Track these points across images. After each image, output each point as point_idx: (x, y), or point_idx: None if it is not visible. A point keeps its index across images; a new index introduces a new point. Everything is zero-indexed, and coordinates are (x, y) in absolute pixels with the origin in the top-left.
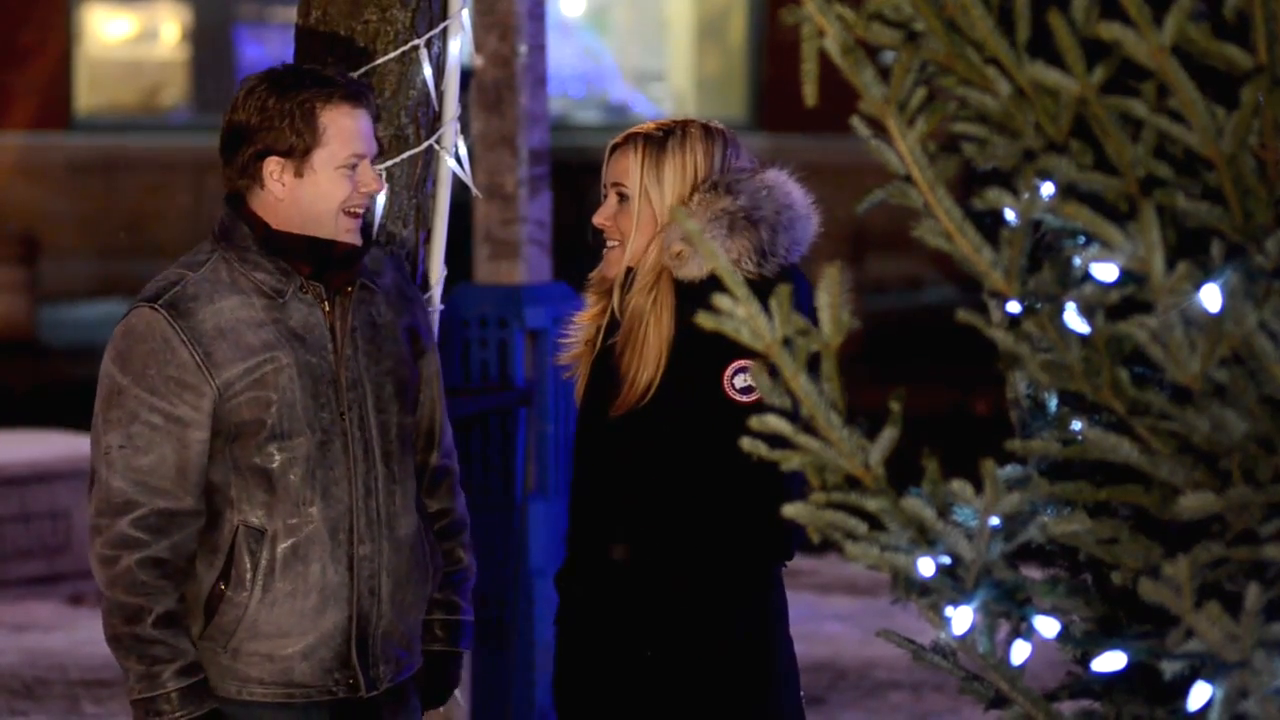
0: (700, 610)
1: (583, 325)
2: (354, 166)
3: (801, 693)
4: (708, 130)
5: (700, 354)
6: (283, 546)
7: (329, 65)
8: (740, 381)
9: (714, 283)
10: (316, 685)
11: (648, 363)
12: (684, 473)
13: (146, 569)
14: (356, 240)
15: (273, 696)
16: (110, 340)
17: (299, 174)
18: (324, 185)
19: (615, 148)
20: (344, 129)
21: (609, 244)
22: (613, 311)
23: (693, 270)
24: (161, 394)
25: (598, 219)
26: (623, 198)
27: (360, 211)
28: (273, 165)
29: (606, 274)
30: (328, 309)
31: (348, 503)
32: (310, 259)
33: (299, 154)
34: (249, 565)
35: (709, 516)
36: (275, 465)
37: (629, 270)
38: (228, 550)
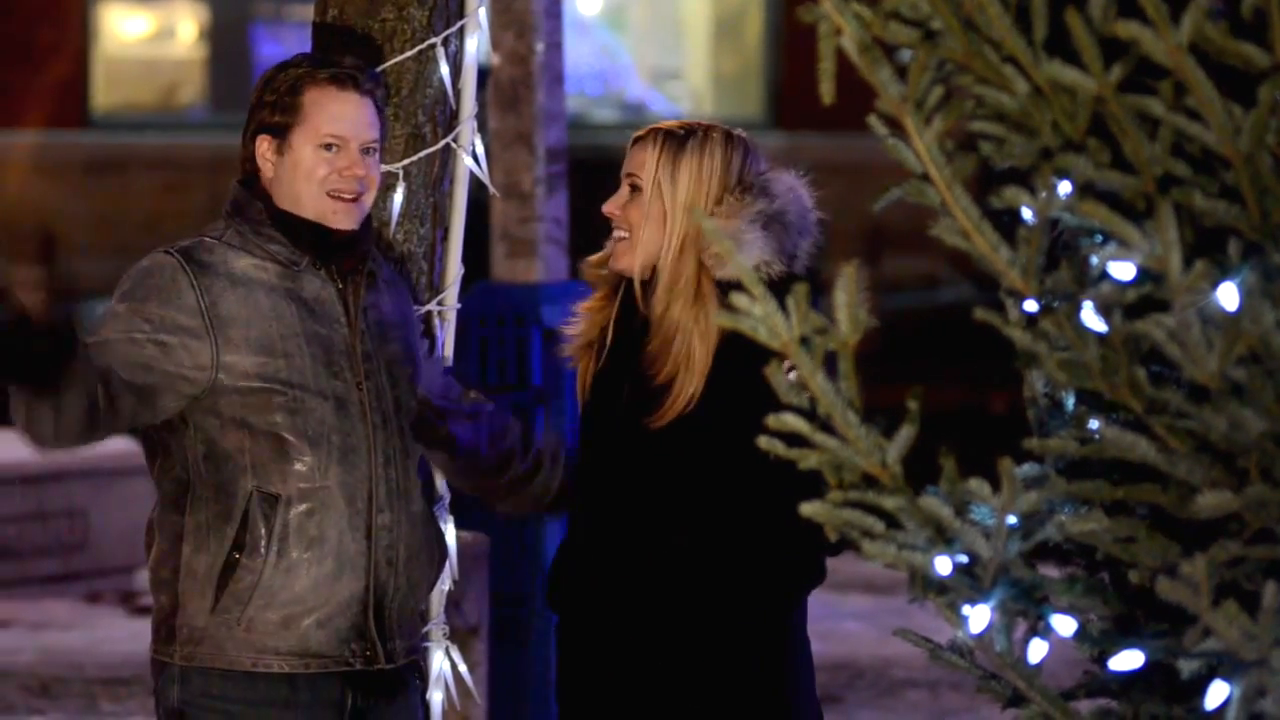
0: (748, 608)
1: (587, 317)
2: (331, 148)
3: (816, 693)
4: (729, 137)
5: (747, 354)
6: (297, 511)
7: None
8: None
9: None
10: (333, 655)
11: (693, 374)
12: (734, 473)
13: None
14: (347, 224)
15: (289, 666)
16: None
17: (280, 151)
18: (304, 164)
19: (636, 140)
20: (324, 109)
21: (617, 234)
22: (623, 309)
23: (732, 270)
24: (154, 323)
25: (608, 208)
26: (634, 189)
27: (350, 196)
28: (263, 144)
29: (615, 266)
30: (340, 287)
31: (366, 470)
32: (311, 243)
33: (281, 131)
34: (263, 531)
35: (757, 516)
36: (288, 430)
37: (653, 271)
38: (241, 517)
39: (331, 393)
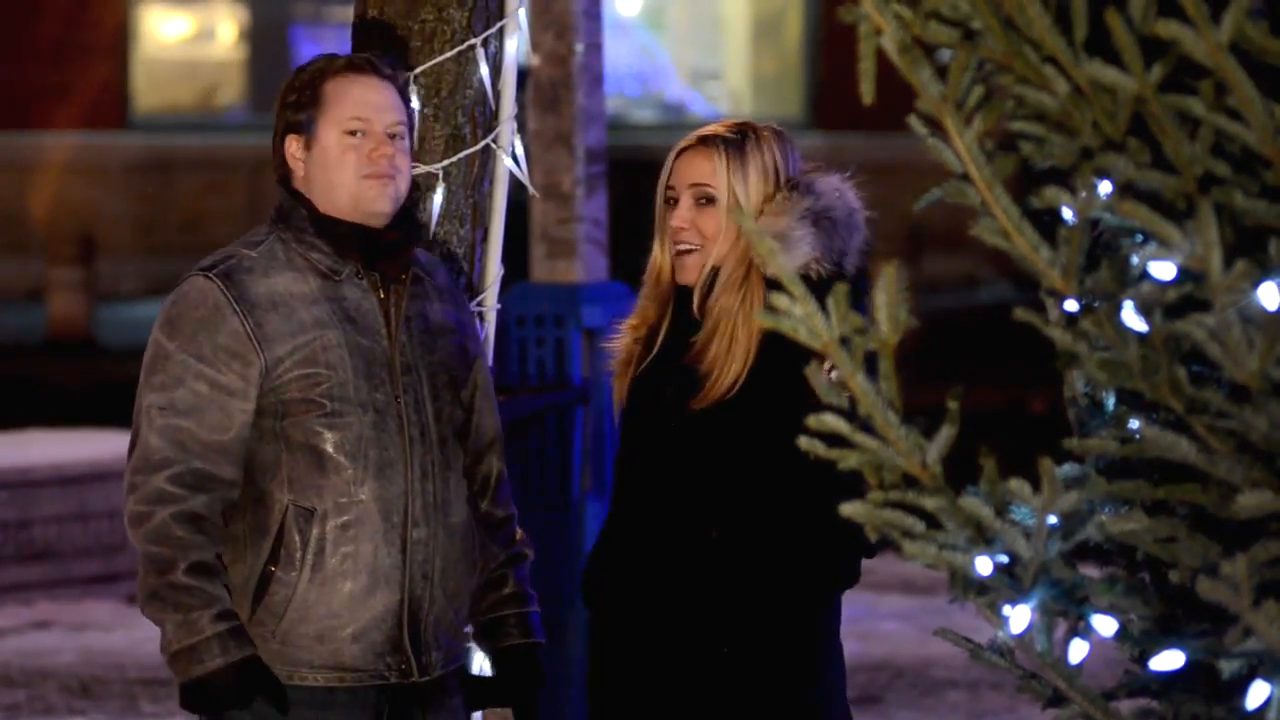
0: (777, 604)
1: (629, 333)
2: (357, 133)
3: (846, 694)
4: (775, 132)
5: (791, 350)
6: (332, 525)
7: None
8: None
9: (803, 279)
10: (368, 669)
11: (735, 358)
12: (771, 466)
13: (180, 523)
14: (384, 206)
15: (323, 680)
16: (161, 308)
17: (309, 146)
18: (331, 151)
19: (685, 150)
20: (344, 94)
21: (683, 248)
22: (675, 315)
23: (774, 270)
24: (209, 361)
25: (676, 222)
26: (702, 200)
27: (381, 174)
28: (292, 144)
29: (683, 280)
30: (382, 296)
31: (403, 485)
32: (358, 247)
33: (307, 125)
34: (298, 544)
35: (795, 512)
36: (326, 444)
37: (714, 270)
38: (277, 530)
39: (371, 405)
